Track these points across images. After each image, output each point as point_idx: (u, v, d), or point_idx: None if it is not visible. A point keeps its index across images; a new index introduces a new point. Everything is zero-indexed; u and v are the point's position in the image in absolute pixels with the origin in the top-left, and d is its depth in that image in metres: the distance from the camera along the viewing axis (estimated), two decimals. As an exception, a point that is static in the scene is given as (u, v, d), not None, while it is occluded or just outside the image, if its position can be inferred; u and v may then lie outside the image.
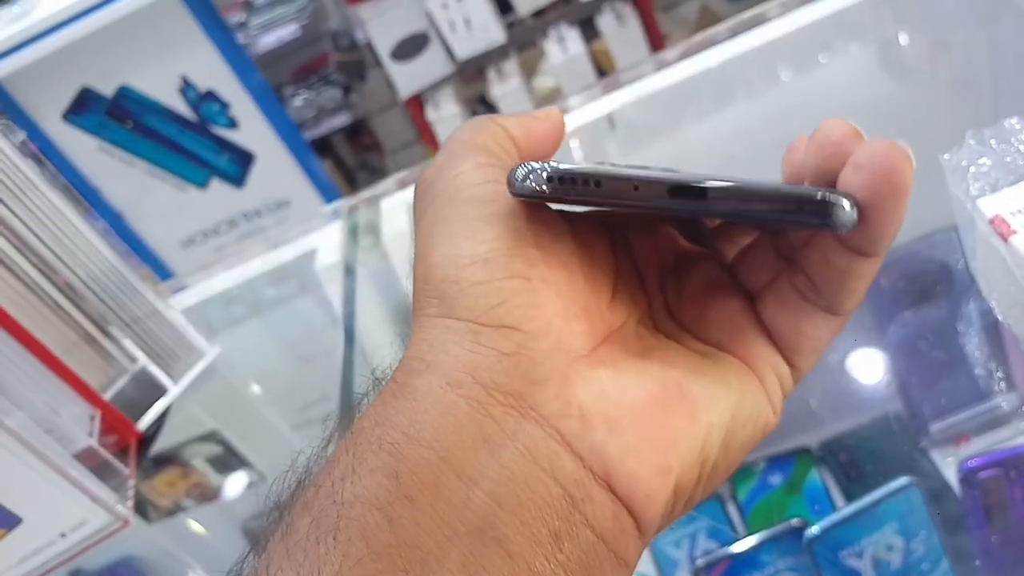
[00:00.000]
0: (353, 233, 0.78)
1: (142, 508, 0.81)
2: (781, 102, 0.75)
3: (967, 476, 0.59)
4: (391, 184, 0.82)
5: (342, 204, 0.77)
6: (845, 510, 0.62)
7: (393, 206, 0.77)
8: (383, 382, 0.25)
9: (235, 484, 0.82)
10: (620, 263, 0.29)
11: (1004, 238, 0.38)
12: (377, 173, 2.91)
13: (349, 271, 0.75)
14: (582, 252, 0.27)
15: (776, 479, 0.79)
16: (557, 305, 0.25)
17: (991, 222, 0.38)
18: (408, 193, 0.79)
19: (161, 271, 2.23)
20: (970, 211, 0.40)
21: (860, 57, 0.75)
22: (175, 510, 0.82)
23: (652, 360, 0.26)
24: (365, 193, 0.83)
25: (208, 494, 0.84)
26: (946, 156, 0.42)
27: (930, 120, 0.72)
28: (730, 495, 0.75)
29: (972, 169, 0.41)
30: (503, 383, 0.23)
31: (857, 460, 0.78)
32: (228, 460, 0.85)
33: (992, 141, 0.41)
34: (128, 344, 0.65)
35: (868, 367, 0.76)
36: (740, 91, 0.73)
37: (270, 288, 0.82)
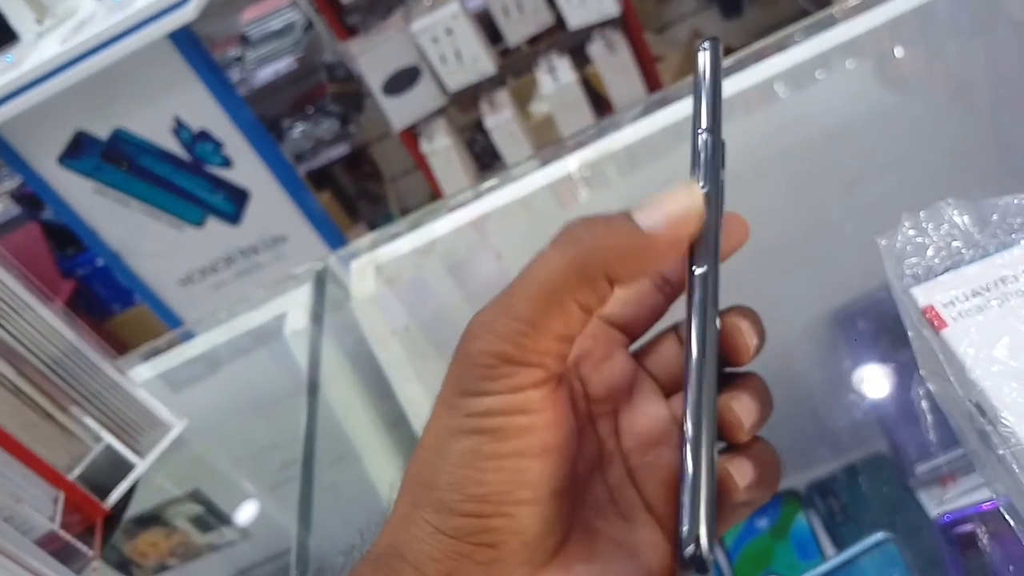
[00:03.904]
0: (320, 293, 0.78)
1: (126, 568, 0.81)
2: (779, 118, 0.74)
3: (944, 530, 0.59)
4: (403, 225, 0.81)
5: (310, 266, 0.77)
6: (822, 567, 0.61)
7: (362, 266, 0.77)
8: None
9: (218, 543, 0.82)
10: (601, 450, 0.33)
11: (936, 330, 0.37)
12: (378, 201, 2.91)
13: (316, 330, 0.75)
14: (565, 473, 0.30)
15: (763, 523, 0.78)
16: (534, 531, 0.29)
17: (924, 312, 0.38)
18: (385, 250, 0.79)
19: (160, 309, 2.24)
20: (904, 299, 0.39)
21: (856, 72, 0.74)
22: (159, 570, 0.82)
23: (603, 557, 0.31)
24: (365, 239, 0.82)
25: (192, 553, 0.84)
26: (882, 241, 0.41)
27: (927, 134, 0.70)
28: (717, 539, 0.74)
29: (908, 248, 0.40)
30: None
31: (844, 502, 0.77)
32: (210, 519, 0.84)
33: (927, 225, 0.41)
34: (91, 422, 0.64)
35: (853, 408, 0.75)
36: (738, 107, 0.73)
37: (240, 352, 0.82)
